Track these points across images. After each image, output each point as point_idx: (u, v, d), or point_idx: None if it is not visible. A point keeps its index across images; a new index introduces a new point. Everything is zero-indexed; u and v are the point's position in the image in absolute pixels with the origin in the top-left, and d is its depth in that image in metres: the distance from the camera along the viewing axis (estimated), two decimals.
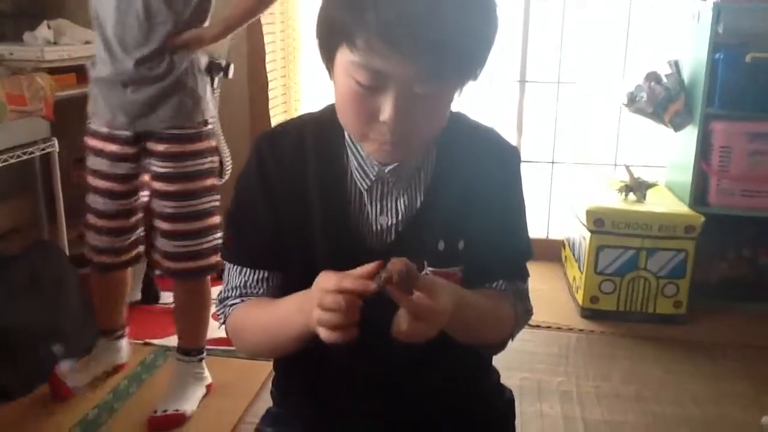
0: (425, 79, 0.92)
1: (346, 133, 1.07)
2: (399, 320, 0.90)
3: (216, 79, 2.91)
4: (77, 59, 3.07)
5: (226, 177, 3.01)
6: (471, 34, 0.92)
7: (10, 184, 3.10)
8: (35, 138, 2.58)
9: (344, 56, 0.94)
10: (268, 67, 3.30)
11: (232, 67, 2.94)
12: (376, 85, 0.93)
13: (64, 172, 2.75)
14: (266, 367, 2.40)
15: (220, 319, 1.15)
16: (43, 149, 2.62)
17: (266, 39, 3.28)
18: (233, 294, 1.11)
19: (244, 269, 1.10)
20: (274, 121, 3.33)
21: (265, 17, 3.26)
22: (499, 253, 1.10)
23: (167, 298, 2.94)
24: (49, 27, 3.00)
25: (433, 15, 0.88)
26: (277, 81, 3.37)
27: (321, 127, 1.09)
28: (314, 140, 1.09)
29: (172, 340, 2.61)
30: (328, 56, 0.99)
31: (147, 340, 2.61)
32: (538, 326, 2.80)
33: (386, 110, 0.94)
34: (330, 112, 1.05)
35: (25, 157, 2.54)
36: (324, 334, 0.88)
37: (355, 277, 0.89)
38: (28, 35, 3.00)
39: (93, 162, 2.17)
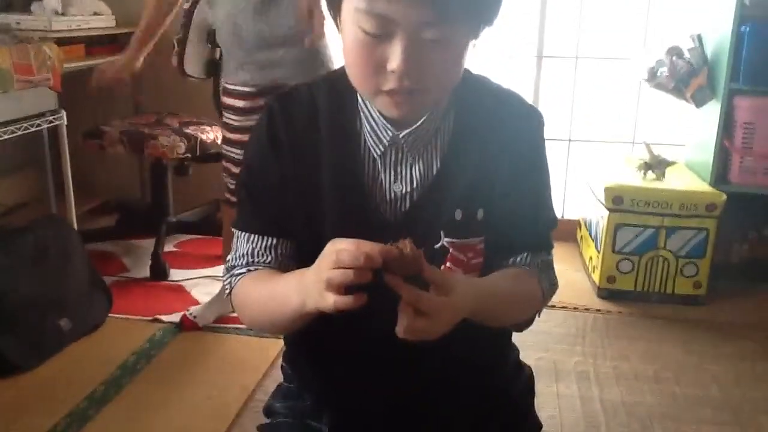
0: (433, 22, 0.87)
1: (359, 96, 1.01)
2: (400, 317, 0.84)
3: None
4: (86, 30, 3.02)
5: None
6: None
7: (18, 156, 3.07)
8: (42, 110, 2.53)
9: (349, 4, 0.90)
10: None
11: None
12: (382, 32, 0.88)
13: (72, 146, 2.70)
14: (277, 344, 2.36)
15: (226, 288, 1.10)
16: (51, 121, 2.57)
17: None
18: (240, 263, 1.06)
19: (252, 236, 1.05)
20: None
21: None
22: (522, 223, 1.04)
23: (175, 275, 2.91)
24: None
25: None
26: None
27: (333, 90, 1.04)
28: (326, 104, 1.04)
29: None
30: (335, 6, 0.94)
31: (156, 316, 2.57)
32: (553, 306, 2.75)
33: (394, 58, 0.89)
34: (342, 74, 1.00)
35: (32, 129, 2.49)
36: (332, 299, 0.83)
37: (372, 244, 0.83)
38: (36, 5, 2.96)
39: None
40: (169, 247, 3.15)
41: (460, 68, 0.96)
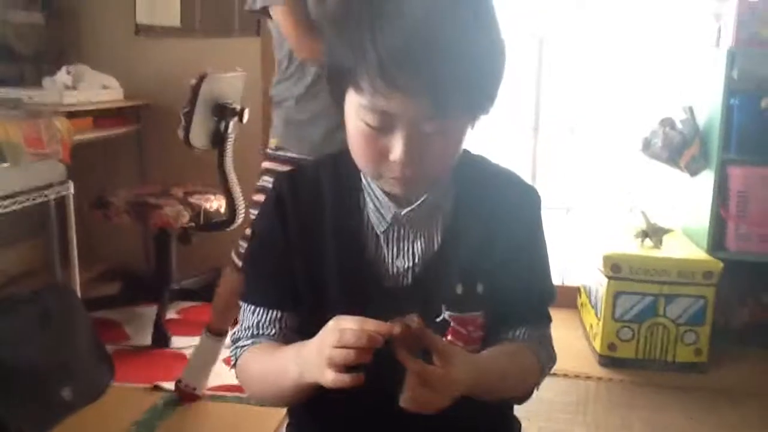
0: (432, 116, 0.91)
1: (362, 176, 1.06)
2: (405, 387, 0.88)
3: (231, 123, 2.95)
4: (95, 104, 3.11)
5: (239, 221, 3.02)
6: (476, 69, 0.91)
7: (25, 226, 3.11)
8: (51, 181, 2.59)
9: (352, 99, 0.95)
10: None
11: (246, 111, 2.98)
12: (384, 126, 0.93)
13: (77, 214, 2.75)
14: (279, 413, 2.35)
15: (232, 361, 1.13)
16: (58, 192, 2.63)
17: None
18: (245, 335, 1.09)
19: (258, 309, 1.09)
20: None
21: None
22: (521, 297, 1.08)
23: (177, 342, 2.92)
24: (68, 72, 3.05)
25: (433, 52, 0.87)
26: None
27: (337, 169, 1.09)
28: (331, 182, 1.08)
29: None
30: (338, 100, 0.99)
31: (157, 383, 2.57)
32: (555, 374, 2.74)
33: (396, 150, 0.93)
34: (346, 153, 1.04)
35: (40, 199, 2.55)
36: (331, 376, 0.87)
37: (375, 322, 0.87)
38: (48, 80, 3.05)
39: None
40: (171, 314, 3.17)
41: (459, 151, 1.00)
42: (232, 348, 1.12)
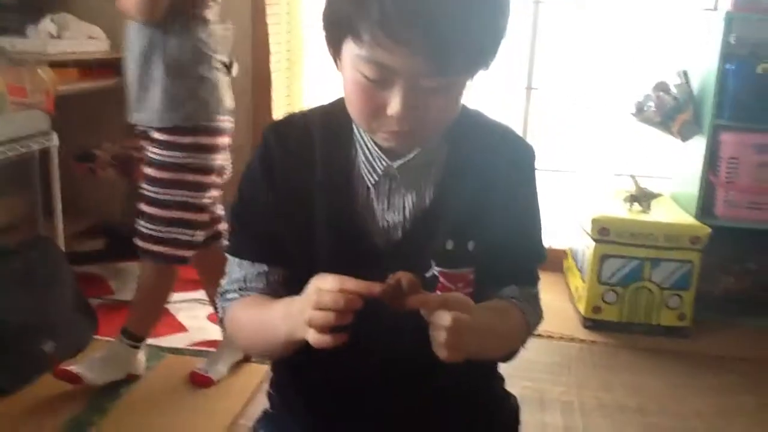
0: (432, 72, 0.89)
1: (354, 127, 1.04)
2: (436, 331, 0.87)
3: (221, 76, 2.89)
4: (80, 54, 3.04)
5: (227, 174, 2.98)
6: (479, 27, 0.89)
7: (8, 178, 3.06)
8: (34, 131, 2.53)
9: (350, 49, 0.92)
10: (273, 65, 3.27)
11: (235, 64, 2.92)
12: (382, 79, 0.91)
13: (62, 168, 2.71)
14: (261, 370, 2.36)
15: (219, 312, 1.12)
16: (42, 143, 2.58)
17: (271, 35, 3.25)
18: (233, 287, 1.08)
19: (244, 262, 1.07)
20: (277, 117, 3.30)
21: (269, 13, 3.24)
22: (512, 255, 1.07)
23: None
24: (52, 21, 2.97)
25: (439, 7, 0.85)
26: (281, 77, 3.35)
27: (329, 120, 1.06)
28: (322, 133, 1.06)
29: (167, 340, 2.59)
30: (335, 49, 0.97)
31: None
32: (539, 335, 2.76)
33: (394, 104, 0.91)
34: (339, 105, 1.03)
35: (23, 150, 2.50)
36: (313, 336, 0.86)
37: (354, 282, 0.86)
38: (31, 29, 2.97)
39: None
40: None
41: (458, 108, 0.98)
42: (220, 300, 1.10)
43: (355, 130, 1.04)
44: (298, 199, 1.04)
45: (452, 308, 0.87)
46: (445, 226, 1.03)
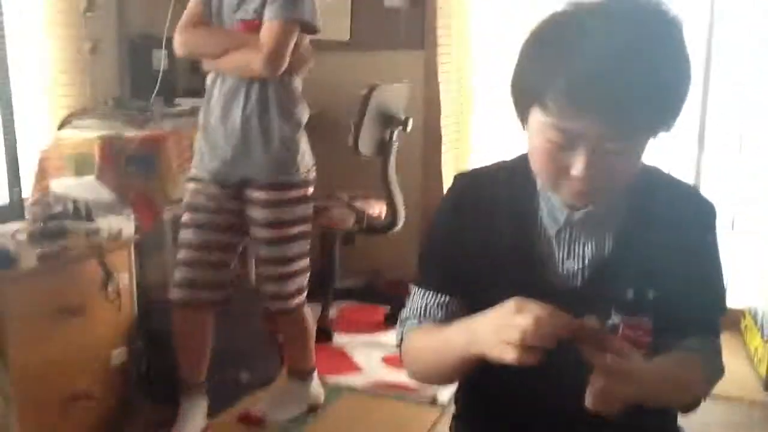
0: (616, 137, 0.96)
1: (537, 181, 1.12)
2: (593, 386, 0.90)
3: (396, 132, 3.10)
4: None
5: (400, 223, 3.16)
6: (662, 92, 0.95)
7: None
8: None
9: (536, 116, 1.00)
10: (443, 120, 3.43)
11: (410, 121, 3.12)
12: (567, 143, 0.98)
13: None
14: (436, 411, 2.44)
15: (397, 338, 1.22)
16: None
17: (442, 93, 3.41)
18: (412, 315, 1.18)
19: (427, 293, 1.18)
20: (446, 171, 3.44)
21: (441, 72, 3.40)
22: (691, 306, 1.09)
23: (339, 338, 3.09)
24: None
25: (622, 75, 0.91)
26: (450, 133, 3.49)
27: (514, 174, 1.15)
28: (507, 185, 1.16)
29: (343, 380, 2.74)
30: (522, 114, 1.05)
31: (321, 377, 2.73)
32: (715, 397, 2.64)
33: (578, 166, 0.98)
34: (523, 160, 1.11)
35: None
36: (513, 353, 0.89)
37: (565, 314, 0.90)
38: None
39: None
40: (332, 312, 3.34)
41: (639, 166, 1.04)
42: (399, 326, 1.21)
43: (539, 184, 1.12)
44: (483, 242, 1.14)
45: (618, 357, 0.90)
46: (625, 274, 1.08)
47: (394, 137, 3.10)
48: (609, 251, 1.10)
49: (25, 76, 2.65)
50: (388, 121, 3.08)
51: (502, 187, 1.16)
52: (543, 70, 0.97)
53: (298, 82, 2.23)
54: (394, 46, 3.53)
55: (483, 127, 3.54)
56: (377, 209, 3.23)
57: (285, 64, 2.09)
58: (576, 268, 1.11)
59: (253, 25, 2.10)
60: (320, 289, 3.28)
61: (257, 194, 2.19)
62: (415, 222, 3.33)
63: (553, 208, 1.11)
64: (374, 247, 3.29)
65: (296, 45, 2.12)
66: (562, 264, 1.11)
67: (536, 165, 1.06)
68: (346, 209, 3.14)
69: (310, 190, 2.29)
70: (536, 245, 1.12)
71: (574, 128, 0.96)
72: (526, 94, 1.02)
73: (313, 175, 2.30)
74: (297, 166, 2.21)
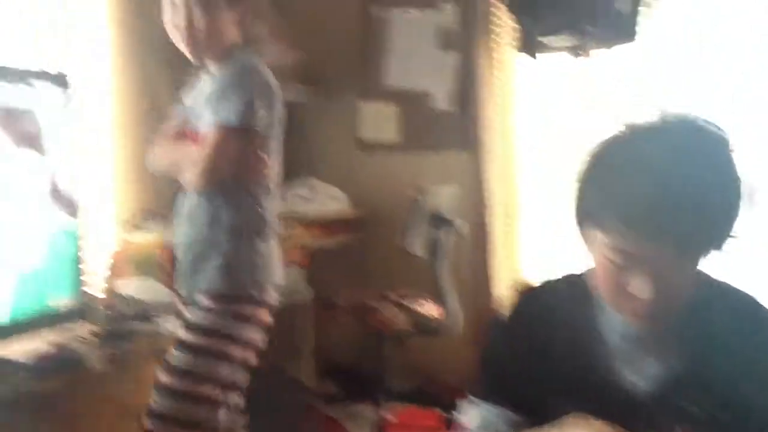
0: (676, 257, 0.99)
1: (600, 296, 1.14)
2: None
3: (447, 235, 3.16)
4: (324, 213, 3.43)
5: (454, 325, 3.15)
6: (717, 213, 0.99)
7: None
8: (292, 285, 2.85)
9: (597, 236, 1.04)
10: (491, 222, 3.47)
11: (462, 223, 3.17)
12: (628, 265, 1.01)
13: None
14: None
15: None
16: (298, 295, 2.90)
17: (489, 196, 3.47)
18: (475, 425, 1.19)
19: (487, 404, 1.19)
20: (496, 274, 3.45)
21: (486, 173, 3.45)
22: (761, 423, 1.09)
23: None
24: (303, 184, 3.41)
25: (680, 201, 0.96)
26: (499, 235, 3.51)
27: (576, 288, 1.18)
28: (570, 299, 1.18)
29: None
30: (581, 230, 1.09)
31: None
32: None
33: (638, 287, 1.01)
34: (585, 274, 1.15)
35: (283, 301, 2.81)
36: None
37: None
38: (286, 191, 3.40)
39: None
40: (384, 414, 3.30)
41: (695, 283, 1.07)
42: None
43: (601, 299, 1.14)
44: (545, 357, 1.15)
45: None
46: (689, 390, 1.09)
47: (445, 238, 3.15)
48: (672, 366, 1.11)
49: (91, 176, 2.75)
50: (438, 222, 3.14)
51: (565, 301, 1.19)
52: (603, 195, 1.02)
53: (259, 191, 2.04)
54: (443, 147, 3.59)
55: (531, 228, 3.57)
56: (428, 311, 3.24)
57: (219, 176, 1.94)
58: (639, 383, 1.12)
59: (197, 137, 2.01)
60: (371, 390, 3.28)
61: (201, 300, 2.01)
62: (465, 324, 3.32)
63: (615, 323, 1.13)
64: (425, 349, 3.28)
65: (251, 153, 1.98)
66: (626, 379, 1.12)
67: (598, 282, 1.09)
68: (396, 309, 3.16)
69: (261, 313, 2.04)
70: (598, 360, 1.14)
71: (633, 251, 0.99)
72: (586, 215, 1.06)
73: (271, 296, 2.06)
74: (248, 282, 2.01)
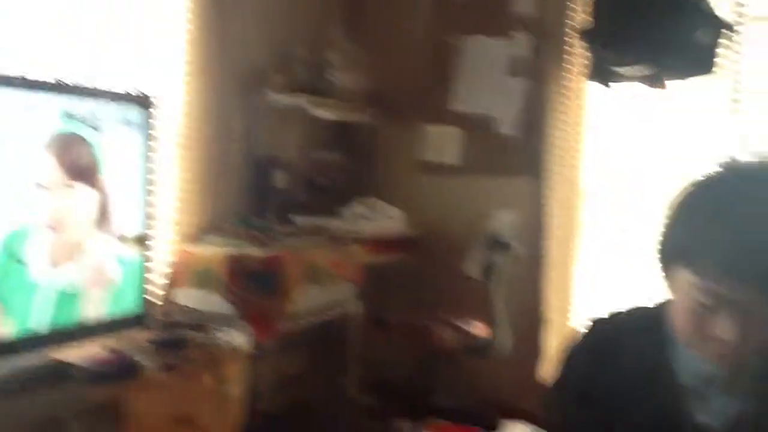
0: (764, 301, 0.97)
1: (677, 334, 1.11)
2: None
3: (504, 258, 3.15)
4: (382, 232, 3.46)
5: (503, 347, 3.15)
6: None
7: (316, 337, 3.46)
8: (345, 300, 2.92)
9: (684, 275, 1.02)
10: (549, 248, 3.44)
11: (519, 247, 3.16)
12: (716, 306, 0.99)
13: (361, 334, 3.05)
14: None
15: None
16: (349, 310, 2.95)
17: (548, 221, 3.44)
18: None
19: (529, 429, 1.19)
20: (548, 300, 3.42)
21: (547, 199, 3.43)
22: None
23: None
24: (362, 203, 3.45)
25: None
26: (556, 261, 3.48)
27: (652, 323, 1.16)
28: (644, 334, 1.16)
29: None
30: (666, 267, 1.08)
31: None
32: None
33: (725, 330, 0.99)
34: (662, 309, 1.13)
35: (334, 314, 2.88)
36: None
37: None
38: (346, 210, 3.46)
39: None
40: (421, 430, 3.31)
41: None
42: None
43: (678, 337, 1.11)
44: (617, 392, 1.14)
45: None
46: (763, 430, 1.07)
47: (502, 261, 3.14)
48: (748, 407, 1.09)
49: (158, 191, 2.84)
50: (496, 245, 3.14)
51: (640, 336, 1.17)
52: (696, 234, 1.00)
53: None
54: (505, 172, 3.58)
55: (589, 257, 3.51)
56: (481, 332, 3.24)
57: None
58: (713, 423, 1.10)
59: None
60: (419, 409, 3.29)
61: None
62: (517, 347, 3.30)
63: (691, 363, 1.10)
64: (476, 369, 3.27)
65: None
66: (699, 418, 1.10)
67: (679, 321, 1.07)
68: (449, 329, 3.17)
69: None
70: (669, 397, 1.12)
71: (725, 293, 0.98)
72: (675, 253, 1.05)
73: None
74: None
